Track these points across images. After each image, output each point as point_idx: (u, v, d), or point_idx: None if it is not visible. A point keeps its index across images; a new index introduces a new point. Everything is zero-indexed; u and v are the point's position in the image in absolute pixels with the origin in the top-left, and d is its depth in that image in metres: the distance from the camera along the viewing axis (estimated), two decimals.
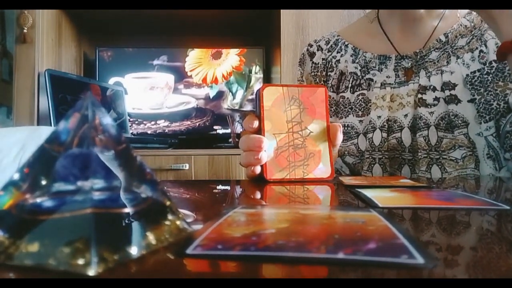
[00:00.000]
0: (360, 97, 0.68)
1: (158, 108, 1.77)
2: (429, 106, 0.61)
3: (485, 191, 0.42)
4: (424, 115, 0.61)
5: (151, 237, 0.17)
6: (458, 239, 0.20)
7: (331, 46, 0.75)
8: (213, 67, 1.79)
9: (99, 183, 0.16)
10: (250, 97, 1.81)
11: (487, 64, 0.59)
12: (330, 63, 0.74)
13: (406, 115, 0.62)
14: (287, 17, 1.52)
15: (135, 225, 0.17)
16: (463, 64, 0.61)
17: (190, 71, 1.79)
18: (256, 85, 1.80)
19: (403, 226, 0.22)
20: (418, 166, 0.61)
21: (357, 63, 0.70)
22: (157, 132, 1.75)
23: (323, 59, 0.75)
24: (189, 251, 0.16)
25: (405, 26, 0.68)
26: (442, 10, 0.66)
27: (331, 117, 0.71)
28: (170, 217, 0.19)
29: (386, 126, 0.63)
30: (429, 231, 0.22)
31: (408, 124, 0.62)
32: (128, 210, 0.17)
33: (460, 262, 0.16)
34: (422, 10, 0.66)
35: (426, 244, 0.18)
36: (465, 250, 0.17)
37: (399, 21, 0.68)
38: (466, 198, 0.34)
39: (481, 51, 0.60)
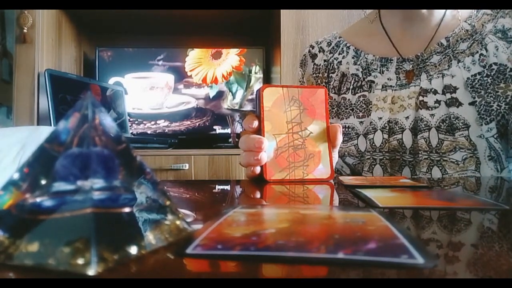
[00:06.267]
0: (361, 98, 0.68)
1: (158, 108, 1.77)
2: (430, 109, 0.61)
3: (485, 191, 0.42)
4: (425, 117, 0.61)
5: (151, 237, 0.17)
6: (458, 239, 0.20)
7: (333, 47, 0.75)
8: (213, 67, 1.79)
9: (99, 183, 0.16)
10: (250, 97, 1.81)
11: (487, 67, 0.59)
12: (332, 64, 0.73)
13: (407, 117, 0.62)
14: (287, 17, 1.52)
15: (135, 225, 0.17)
16: (464, 67, 0.61)
17: (190, 71, 1.79)
18: (256, 85, 1.80)
19: (403, 226, 0.22)
20: (419, 168, 0.61)
21: (359, 64, 0.70)
22: (157, 132, 1.75)
23: (324, 60, 0.75)
24: (189, 251, 0.16)
25: (406, 27, 0.68)
26: (443, 12, 0.66)
27: (332, 118, 0.71)
28: (170, 217, 0.19)
29: (387, 128, 0.63)
30: (429, 231, 0.22)
31: (409, 126, 0.62)
32: (128, 210, 0.17)
33: (460, 262, 0.16)
34: (423, 11, 0.65)
35: (426, 244, 0.18)
36: (465, 250, 0.17)
37: (400, 22, 0.68)
38: (466, 198, 0.34)
39: (481, 54, 0.60)
